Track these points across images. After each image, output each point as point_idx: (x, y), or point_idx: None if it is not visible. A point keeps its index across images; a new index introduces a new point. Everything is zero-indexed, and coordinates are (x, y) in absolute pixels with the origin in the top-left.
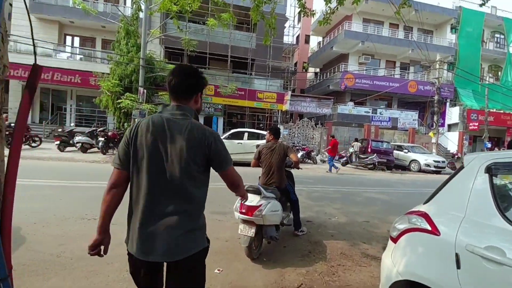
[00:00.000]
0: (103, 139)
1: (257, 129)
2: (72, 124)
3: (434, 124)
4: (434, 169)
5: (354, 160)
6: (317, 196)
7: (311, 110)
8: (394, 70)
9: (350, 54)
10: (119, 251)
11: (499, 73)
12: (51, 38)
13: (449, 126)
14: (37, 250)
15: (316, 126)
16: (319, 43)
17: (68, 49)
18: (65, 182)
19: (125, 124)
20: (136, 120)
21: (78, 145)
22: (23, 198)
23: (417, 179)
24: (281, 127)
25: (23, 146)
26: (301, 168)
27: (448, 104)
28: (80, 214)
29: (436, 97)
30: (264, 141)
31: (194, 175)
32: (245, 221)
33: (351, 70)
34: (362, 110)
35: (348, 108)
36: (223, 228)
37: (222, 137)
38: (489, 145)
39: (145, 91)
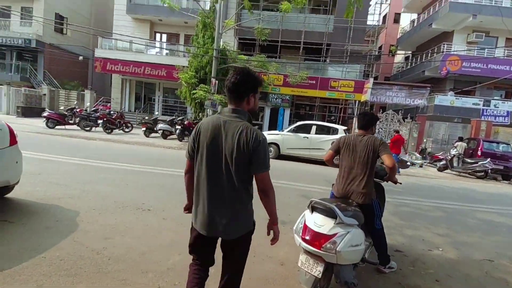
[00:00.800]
0: (180, 127)
1: (328, 122)
2: (156, 113)
3: None
4: None
5: (456, 165)
6: (408, 213)
7: (399, 100)
8: None
9: (456, 32)
10: (154, 257)
11: None
12: (144, 36)
13: None
14: (81, 243)
15: (404, 121)
16: (412, 21)
17: (157, 45)
18: (138, 166)
19: (200, 114)
20: (208, 110)
21: (160, 131)
22: (95, 181)
23: None
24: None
25: (118, 131)
26: (401, 183)
27: None
28: (138, 203)
29: None
30: (335, 137)
31: (241, 171)
32: (309, 253)
33: (455, 51)
34: (469, 102)
35: (449, 99)
36: (279, 243)
37: (287, 130)
38: None
39: (217, 82)
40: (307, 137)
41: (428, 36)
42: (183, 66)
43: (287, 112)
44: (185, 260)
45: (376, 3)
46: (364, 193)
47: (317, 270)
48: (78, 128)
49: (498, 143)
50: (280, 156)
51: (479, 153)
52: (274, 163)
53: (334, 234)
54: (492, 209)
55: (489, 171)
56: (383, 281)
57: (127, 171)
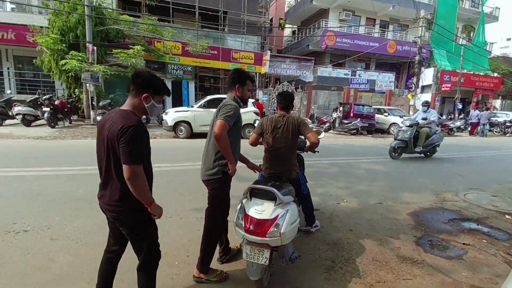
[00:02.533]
0: (48, 109)
1: None
2: (9, 92)
3: (413, 85)
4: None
5: (337, 125)
6: (314, 173)
7: (291, 72)
8: (373, 28)
9: (331, 10)
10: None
11: (472, 33)
12: None
13: (423, 87)
14: None
15: (296, 91)
16: None
17: None
18: None
19: (76, 90)
20: (87, 85)
21: (19, 117)
22: None
23: None
24: (260, 92)
25: None
26: (318, 152)
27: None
28: (6, 223)
29: (417, 58)
30: (249, 111)
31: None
32: (253, 243)
33: (331, 27)
34: (341, 73)
35: (328, 70)
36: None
37: (196, 106)
38: (460, 106)
39: (95, 48)
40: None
41: (310, 12)
42: (41, 27)
43: (191, 85)
44: None
45: None
46: (291, 169)
47: (264, 257)
48: None
49: (363, 105)
50: (194, 135)
51: (351, 114)
52: (188, 143)
53: (276, 217)
54: (368, 160)
55: (359, 128)
56: (313, 243)
57: None
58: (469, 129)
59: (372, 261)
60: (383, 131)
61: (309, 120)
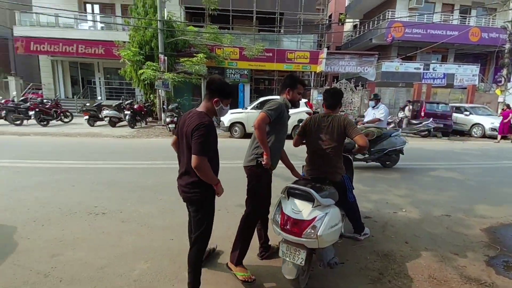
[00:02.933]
0: (129, 112)
1: None
2: (99, 98)
3: (503, 79)
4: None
5: (404, 126)
6: (369, 178)
7: (351, 69)
8: (452, 15)
9: None
10: (116, 271)
11: None
12: (71, 8)
13: None
14: (24, 265)
15: (356, 89)
16: None
17: (89, 17)
18: (84, 162)
19: (151, 95)
20: (160, 91)
21: (106, 119)
22: (32, 186)
23: (486, 148)
24: (315, 92)
25: (55, 122)
26: (368, 154)
27: None
28: (89, 206)
29: (507, 46)
30: (301, 111)
31: None
32: (289, 241)
33: (399, 17)
34: (411, 67)
35: (394, 65)
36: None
37: (250, 107)
38: None
39: (165, 58)
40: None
41: (374, 3)
42: (124, 42)
43: (247, 88)
44: (154, 268)
45: None
46: (335, 172)
47: (300, 258)
48: (6, 122)
49: (438, 103)
50: (247, 135)
51: (422, 114)
52: (241, 143)
53: (314, 219)
54: (440, 165)
55: (432, 129)
56: (360, 251)
57: (71, 169)
58: None
59: (427, 278)
60: (463, 133)
61: None
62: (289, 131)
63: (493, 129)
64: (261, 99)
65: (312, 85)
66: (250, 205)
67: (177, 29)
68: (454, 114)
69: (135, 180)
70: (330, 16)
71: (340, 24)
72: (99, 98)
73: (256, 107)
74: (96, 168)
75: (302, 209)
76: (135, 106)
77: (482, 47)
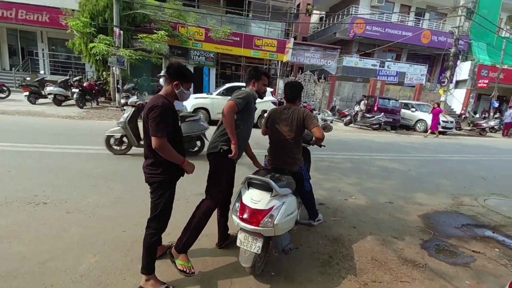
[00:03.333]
0: (77, 90)
1: None
2: (42, 72)
3: (446, 80)
4: (440, 129)
5: (359, 119)
6: (325, 167)
7: (315, 61)
8: (408, 17)
9: None
10: (60, 265)
11: None
12: None
13: (457, 82)
14: None
15: (319, 81)
16: None
17: None
18: (24, 145)
19: (104, 73)
20: (113, 68)
21: (50, 96)
22: None
23: (426, 142)
24: (281, 82)
25: None
26: (325, 146)
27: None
28: (29, 195)
29: (453, 50)
30: (267, 101)
31: None
32: (247, 231)
33: (361, 14)
34: (368, 63)
35: (354, 60)
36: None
37: (215, 93)
38: (496, 105)
39: (121, 32)
40: None
41: None
42: (73, 10)
43: (213, 72)
44: (103, 261)
45: None
46: (294, 163)
47: (256, 246)
48: None
49: (389, 99)
50: (211, 122)
51: (375, 108)
52: None
53: (271, 208)
54: (386, 157)
55: (382, 123)
56: (312, 236)
57: (6, 152)
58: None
59: (371, 260)
60: (408, 128)
61: (329, 112)
62: (254, 121)
63: None
64: (228, 85)
65: (278, 75)
66: (209, 193)
67: (136, 1)
68: (403, 110)
69: (83, 166)
70: (298, 6)
71: (307, 14)
72: (42, 72)
73: (222, 93)
74: (37, 152)
75: (260, 198)
76: (85, 84)
77: (432, 49)
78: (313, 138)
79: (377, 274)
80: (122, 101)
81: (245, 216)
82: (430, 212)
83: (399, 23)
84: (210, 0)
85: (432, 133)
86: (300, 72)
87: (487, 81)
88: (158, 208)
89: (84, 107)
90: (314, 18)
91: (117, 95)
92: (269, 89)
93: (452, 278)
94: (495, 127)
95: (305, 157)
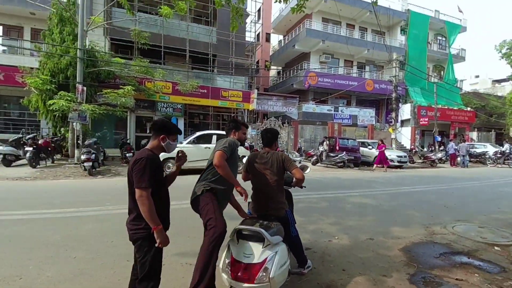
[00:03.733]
0: (31, 148)
1: (223, 130)
2: None
3: (393, 120)
4: (397, 164)
5: (324, 158)
6: (304, 208)
7: (278, 109)
8: (351, 69)
9: (312, 53)
10: None
11: (442, 72)
12: None
13: (402, 122)
14: None
15: (283, 125)
16: (280, 41)
17: None
18: None
19: (62, 129)
20: (74, 124)
21: None
22: None
23: (388, 176)
24: (249, 128)
25: None
26: (305, 186)
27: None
28: None
29: (393, 95)
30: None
31: None
32: None
33: (313, 68)
34: (325, 109)
35: (312, 106)
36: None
37: (185, 142)
38: (439, 139)
39: (84, 88)
40: (209, 147)
41: (293, 55)
42: (31, 68)
43: (181, 122)
44: None
45: (251, 21)
46: (280, 207)
47: None
48: None
49: (348, 139)
50: (182, 171)
51: (337, 148)
52: (176, 179)
53: (265, 260)
54: (356, 193)
55: (346, 161)
56: (305, 286)
57: None
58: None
59: None
60: (369, 164)
61: (297, 153)
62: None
63: (391, 160)
64: (198, 133)
65: (246, 121)
66: (209, 222)
67: (101, 59)
68: (361, 148)
69: (39, 234)
70: (257, 62)
71: (266, 69)
72: None
73: (193, 142)
74: None
75: (252, 251)
76: (40, 141)
77: (376, 95)
78: (294, 180)
79: None
80: (82, 157)
81: (238, 274)
82: (408, 244)
83: (345, 74)
84: (177, 57)
85: (382, 166)
86: (266, 118)
87: (427, 119)
88: (145, 268)
89: (38, 166)
90: (273, 72)
91: (76, 151)
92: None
93: None
94: (443, 158)
95: (288, 199)
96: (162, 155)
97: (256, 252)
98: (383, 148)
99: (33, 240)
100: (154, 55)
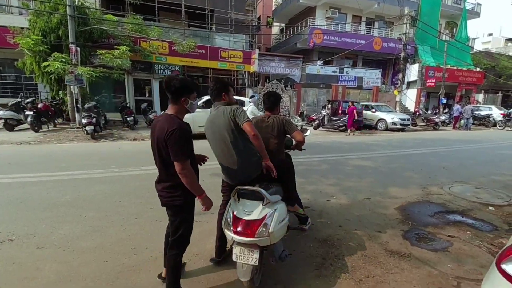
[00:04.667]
0: (31, 113)
1: None
2: None
3: (399, 81)
4: (399, 127)
5: (326, 122)
6: (304, 170)
7: (280, 71)
8: (360, 26)
9: (317, 7)
10: None
11: (454, 29)
12: None
13: (408, 83)
14: None
15: (285, 89)
16: None
17: None
18: None
19: (60, 92)
20: (72, 87)
21: (1, 122)
22: None
23: (389, 139)
24: (250, 91)
25: None
26: (305, 149)
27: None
28: None
29: (402, 54)
30: (248, 109)
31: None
32: (242, 244)
33: (319, 25)
34: (329, 70)
35: (316, 68)
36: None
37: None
38: (444, 101)
39: (78, 49)
40: None
41: (297, 10)
42: (22, 28)
43: None
44: None
45: None
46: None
47: (253, 258)
48: None
49: (352, 102)
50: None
51: (340, 111)
52: None
53: (264, 217)
54: (357, 156)
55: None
56: (303, 241)
57: None
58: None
59: (361, 257)
60: (371, 127)
61: (299, 117)
62: None
63: (393, 123)
64: (205, 97)
65: (247, 85)
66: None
67: (92, 17)
68: (364, 111)
69: (49, 195)
70: (259, 18)
71: (268, 26)
72: None
73: (201, 106)
74: None
75: (252, 209)
76: (39, 105)
77: (383, 55)
78: (294, 143)
79: (369, 269)
80: (84, 121)
81: (239, 229)
82: (405, 204)
83: (352, 32)
84: (172, 14)
85: (351, 131)
86: (267, 81)
87: (434, 81)
88: (178, 231)
89: (40, 130)
90: (275, 30)
91: (76, 115)
92: (247, 99)
93: (436, 264)
94: (446, 121)
95: (287, 163)
96: None
97: (256, 209)
98: (354, 110)
99: (44, 201)
100: (148, 11)
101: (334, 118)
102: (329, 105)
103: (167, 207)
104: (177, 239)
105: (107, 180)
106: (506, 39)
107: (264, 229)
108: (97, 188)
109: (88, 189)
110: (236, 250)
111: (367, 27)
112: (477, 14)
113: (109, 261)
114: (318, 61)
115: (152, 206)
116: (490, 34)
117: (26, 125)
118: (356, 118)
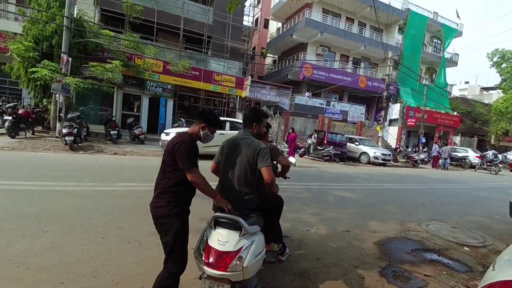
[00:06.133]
0: (10, 118)
1: None
2: None
3: (382, 118)
4: (381, 161)
5: (312, 151)
6: (287, 197)
7: (270, 98)
8: (347, 64)
9: (309, 44)
10: None
11: (434, 75)
12: None
13: (390, 121)
14: None
15: (274, 116)
16: (278, 29)
17: None
18: None
19: (44, 100)
20: (57, 96)
21: None
22: None
23: (371, 172)
24: (240, 115)
25: None
26: (289, 178)
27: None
28: None
29: (385, 93)
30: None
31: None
32: (212, 277)
33: (309, 60)
34: (317, 102)
35: (304, 99)
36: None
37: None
38: (424, 140)
39: (69, 59)
40: (223, 134)
41: (290, 44)
42: (15, 33)
43: (170, 103)
44: None
45: (250, 5)
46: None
47: None
48: None
49: (336, 134)
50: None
51: (325, 141)
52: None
53: (240, 249)
54: (339, 186)
55: (332, 155)
56: (279, 273)
57: None
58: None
59: None
60: (354, 159)
61: (285, 144)
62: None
63: (375, 157)
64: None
65: (237, 108)
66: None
67: (89, 30)
68: (348, 144)
69: (12, 206)
70: (254, 48)
71: (262, 57)
72: None
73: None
74: None
75: (228, 239)
76: (20, 111)
77: (368, 92)
78: (278, 170)
79: None
80: (64, 130)
81: (211, 260)
82: (383, 238)
83: (340, 69)
84: (170, 35)
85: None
86: (258, 106)
87: (414, 120)
88: (167, 246)
89: (17, 136)
90: (268, 60)
91: (58, 124)
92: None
93: None
94: (425, 159)
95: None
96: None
97: (232, 240)
98: (293, 138)
99: (6, 212)
100: (146, 30)
101: (320, 148)
102: (316, 135)
103: (155, 224)
104: (168, 258)
105: (78, 194)
106: (481, 88)
107: (238, 262)
108: (66, 202)
109: (56, 202)
110: (205, 284)
111: (353, 66)
112: (455, 63)
113: (65, 283)
114: (307, 93)
115: (121, 225)
116: (467, 82)
117: (2, 130)
118: (295, 146)
